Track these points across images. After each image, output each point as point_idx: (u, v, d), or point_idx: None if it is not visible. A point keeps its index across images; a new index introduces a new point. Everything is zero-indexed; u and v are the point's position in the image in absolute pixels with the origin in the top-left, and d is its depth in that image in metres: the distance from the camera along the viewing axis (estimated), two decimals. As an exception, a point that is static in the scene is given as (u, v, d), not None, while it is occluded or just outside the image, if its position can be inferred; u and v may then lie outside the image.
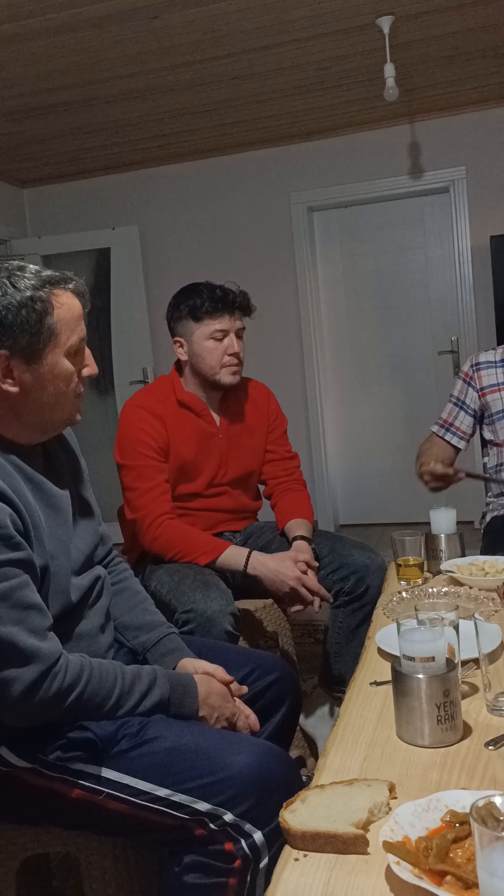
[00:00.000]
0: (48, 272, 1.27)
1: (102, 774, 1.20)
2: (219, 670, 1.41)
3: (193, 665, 1.43)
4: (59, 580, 1.30)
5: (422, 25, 3.39)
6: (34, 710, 1.18)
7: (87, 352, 1.33)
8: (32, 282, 1.23)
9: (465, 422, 2.38)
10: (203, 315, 2.15)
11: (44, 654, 1.18)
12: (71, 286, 1.28)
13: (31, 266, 1.28)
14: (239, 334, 2.21)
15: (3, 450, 1.27)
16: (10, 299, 1.21)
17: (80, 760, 1.21)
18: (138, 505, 2.10)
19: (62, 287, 1.27)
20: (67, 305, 1.26)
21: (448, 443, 2.39)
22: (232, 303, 2.17)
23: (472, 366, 2.38)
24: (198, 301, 2.15)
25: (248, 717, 1.38)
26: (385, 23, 3.28)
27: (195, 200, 5.09)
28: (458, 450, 2.40)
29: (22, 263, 1.28)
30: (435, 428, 2.43)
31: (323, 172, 4.88)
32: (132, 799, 1.18)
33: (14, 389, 1.24)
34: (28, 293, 1.21)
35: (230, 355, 2.17)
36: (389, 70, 3.42)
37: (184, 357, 2.21)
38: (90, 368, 1.32)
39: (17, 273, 1.24)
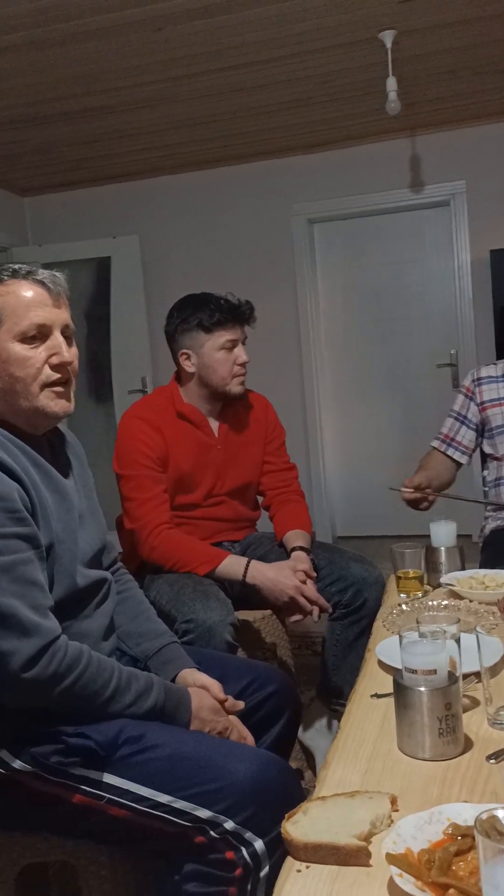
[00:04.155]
0: (13, 267, 1.32)
1: (104, 780, 1.20)
2: (215, 686, 1.41)
3: (193, 677, 1.43)
4: (65, 563, 1.31)
5: (424, 40, 3.42)
6: (30, 687, 1.18)
7: (60, 340, 1.33)
8: None
9: (466, 436, 2.38)
10: (214, 326, 2.16)
11: (44, 629, 1.19)
12: (35, 276, 1.32)
13: (6, 264, 1.34)
14: (244, 343, 2.23)
15: (10, 434, 1.31)
16: None
17: (81, 765, 1.21)
18: (137, 515, 2.11)
19: (19, 278, 1.31)
20: (15, 294, 1.29)
21: (450, 458, 2.39)
22: (240, 313, 2.19)
23: (473, 380, 2.39)
24: (207, 312, 2.16)
25: (244, 737, 1.37)
26: (387, 37, 3.31)
27: (196, 211, 5.11)
28: (459, 464, 2.41)
29: None
30: (435, 443, 2.43)
31: (324, 185, 4.90)
32: (133, 805, 1.18)
33: None
34: None
35: (239, 365, 2.20)
36: (391, 84, 3.44)
37: (191, 369, 2.21)
38: (58, 356, 1.32)
39: None
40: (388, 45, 3.33)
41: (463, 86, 4.04)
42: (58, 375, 1.32)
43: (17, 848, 1.31)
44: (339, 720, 1.43)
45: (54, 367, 1.32)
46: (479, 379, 2.38)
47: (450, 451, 2.39)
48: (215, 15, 3.03)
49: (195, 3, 2.92)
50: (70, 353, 1.34)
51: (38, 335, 1.30)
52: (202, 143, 4.61)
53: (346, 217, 5.02)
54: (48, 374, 1.31)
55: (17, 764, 1.23)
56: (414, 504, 2.24)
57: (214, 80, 3.69)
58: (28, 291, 1.30)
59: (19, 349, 1.29)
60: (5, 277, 1.31)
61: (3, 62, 3.28)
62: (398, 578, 1.85)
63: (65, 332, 1.34)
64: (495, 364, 2.42)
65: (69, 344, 1.35)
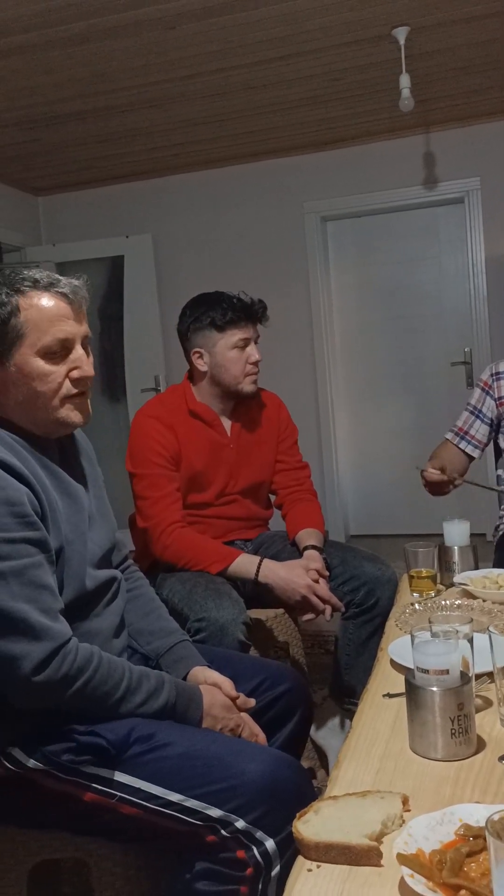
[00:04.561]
0: (35, 276, 1.30)
1: (115, 778, 1.20)
2: (226, 683, 1.41)
3: (204, 674, 1.43)
4: (74, 566, 1.31)
5: (437, 36, 3.40)
6: (42, 690, 1.18)
7: (80, 354, 1.33)
8: (4, 288, 1.28)
9: (480, 430, 2.37)
10: (227, 325, 2.16)
11: (54, 633, 1.20)
12: (58, 287, 1.30)
13: (24, 272, 1.31)
14: (256, 342, 2.23)
15: (19, 437, 1.31)
16: None
17: (93, 764, 1.21)
18: (150, 514, 2.11)
19: (41, 290, 1.29)
20: (38, 307, 1.28)
21: (462, 451, 2.38)
22: (253, 312, 2.20)
23: (491, 375, 2.38)
24: (220, 311, 2.16)
25: (255, 734, 1.37)
26: (401, 34, 3.29)
27: (209, 209, 5.11)
28: (471, 458, 2.39)
29: (16, 269, 1.33)
30: (449, 435, 2.42)
31: (337, 182, 4.89)
32: (144, 803, 1.18)
33: None
34: None
35: (251, 364, 2.20)
36: (405, 81, 3.43)
37: (204, 368, 2.21)
38: (79, 371, 1.32)
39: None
40: (402, 41, 3.32)
41: (477, 82, 4.01)
42: (77, 389, 1.33)
43: (30, 845, 1.32)
44: (351, 719, 1.42)
45: (74, 381, 1.32)
46: (497, 373, 2.36)
47: (462, 445, 2.37)
48: (227, 13, 3.03)
49: (207, 1, 2.92)
50: (90, 366, 1.34)
51: (60, 350, 1.30)
52: (214, 141, 4.61)
53: (360, 215, 5.00)
54: (68, 388, 1.32)
55: (31, 763, 1.23)
56: (435, 488, 2.23)
57: (227, 78, 3.68)
58: (50, 305, 1.29)
59: (41, 364, 1.29)
60: (26, 288, 1.28)
61: (16, 62, 3.29)
62: (411, 578, 1.84)
63: (83, 344, 1.35)
64: None
65: (87, 354, 1.35)
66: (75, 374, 1.31)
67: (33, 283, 1.29)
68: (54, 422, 1.33)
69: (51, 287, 1.29)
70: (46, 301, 1.29)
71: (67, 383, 1.31)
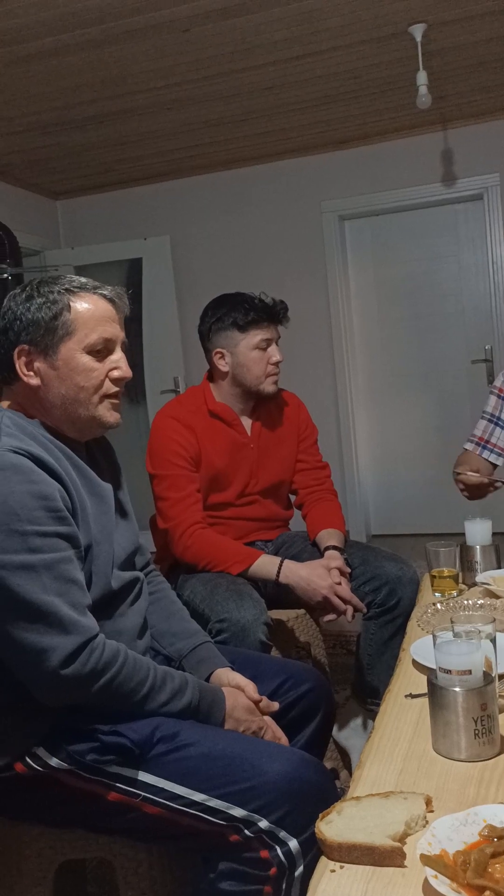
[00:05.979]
0: (82, 280, 1.39)
1: (139, 778, 1.21)
2: (250, 686, 1.41)
3: (228, 676, 1.43)
4: (101, 565, 1.33)
5: (454, 33, 3.39)
6: (68, 684, 1.19)
7: (121, 356, 1.40)
8: (56, 287, 1.35)
9: (501, 438, 2.34)
10: (249, 325, 2.17)
11: (83, 627, 1.21)
12: (104, 291, 1.39)
13: (71, 276, 1.39)
14: (277, 343, 2.24)
15: (53, 437, 1.35)
16: (31, 301, 1.35)
17: (117, 763, 1.22)
18: (170, 515, 2.12)
19: (89, 291, 1.37)
20: (87, 307, 1.35)
21: (486, 460, 2.35)
22: (275, 313, 2.21)
23: None
24: (242, 312, 2.17)
25: (278, 738, 1.37)
26: (417, 31, 3.28)
27: (226, 210, 5.12)
28: (495, 466, 2.37)
29: (60, 274, 1.41)
30: (469, 446, 2.37)
31: (354, 181, 4.88)
32: (168, 803, 1.19)
33: (35, 382, 1.34)
34: (47, 296, 1.34)
35: (272, 364, 2.21)
36: (422, 78, 3.42)
37: (225, 368, 2.22)
38: (119, 371, 1.38)
39: (49, 280, 1.38)
40: (418, 38, 3.30)
41: (495, 77, 3.98)
42: (116, 389, 1.39)
43: (56, 844, 1.33)
44: (373, 720, 1.42)
45: (114, 381, 1.38)
46: None
47: (484, 454, 2.34)
48: (242, 14, 3.03)
49: (222, 2, 2.92)
50: (128, 369, 1.40)
51: (104, 349, 1.37)
52: (231, 142, 4.62)
53: (378, 213, 4.99)
54: (109, 386, 1.38)
55: (54, 761, 1.24)
56: (475, 491, 2.21)
57: (243, 79, 3.69)
58: (98, 306, 1.37)
59: (87, 360, 1.35)
60: (76, 289, 1.36)
61: (33, 68, 3.32)
62: (433, 577, 1.83)
63: (122, 348, 1.41)
64: None
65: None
66: (115, 373, 1.38)
67: (81, 285, 1.37)
68: (91, 419, 1.37)
69: (97, 290, 1.38)
70: (94, 302, 1.37)
71: (108, 382, 1.37)
